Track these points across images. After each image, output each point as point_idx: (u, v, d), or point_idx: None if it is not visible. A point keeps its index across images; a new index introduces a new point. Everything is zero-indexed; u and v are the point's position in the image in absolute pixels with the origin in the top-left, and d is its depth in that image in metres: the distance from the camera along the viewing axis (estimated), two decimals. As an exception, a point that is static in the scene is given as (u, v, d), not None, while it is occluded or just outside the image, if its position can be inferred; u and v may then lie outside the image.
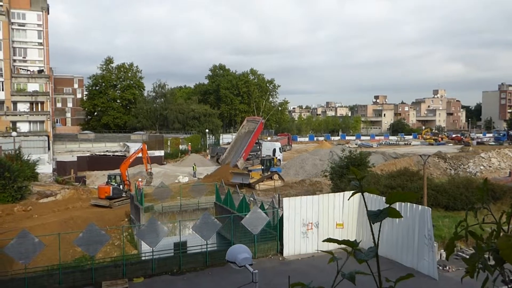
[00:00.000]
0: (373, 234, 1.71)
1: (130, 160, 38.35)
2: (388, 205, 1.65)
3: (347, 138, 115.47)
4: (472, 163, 48.16)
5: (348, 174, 31.67)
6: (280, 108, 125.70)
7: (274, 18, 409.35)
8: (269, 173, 43.68)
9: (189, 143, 75.09)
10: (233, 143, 60.55)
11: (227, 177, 42.99)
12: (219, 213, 29.74)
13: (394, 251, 20.47)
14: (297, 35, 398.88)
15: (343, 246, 1.71)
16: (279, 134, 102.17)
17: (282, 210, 22.51)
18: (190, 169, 55.17)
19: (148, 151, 52.47)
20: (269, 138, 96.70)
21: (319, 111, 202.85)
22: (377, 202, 20.40)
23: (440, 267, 19.23)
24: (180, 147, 76.49)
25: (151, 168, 40.52)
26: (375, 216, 1.62)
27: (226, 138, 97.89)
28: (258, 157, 57.53)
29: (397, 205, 18.24)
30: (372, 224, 1.67)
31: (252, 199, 27.58)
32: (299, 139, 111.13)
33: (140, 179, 40.05)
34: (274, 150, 60.05)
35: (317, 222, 22.59)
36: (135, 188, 33.65)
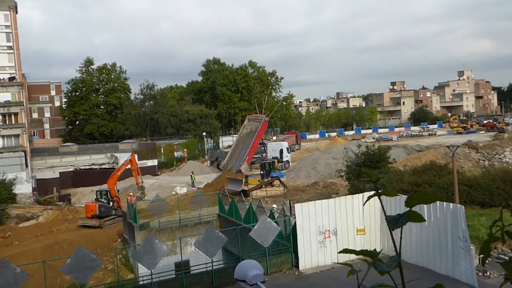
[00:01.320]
0: (394, 242, 1.73)
1: (118, 174, 38.41)
2: (408, 208, 1.67)
3: (362, 132, 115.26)
4: (509, 151, 47.96)
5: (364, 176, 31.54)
6: (284, 103, 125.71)
7: (271, 1, 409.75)
8: (269, 178, 43.67)
9: (185, 149, 75.30)
10: (235, 145, 60.58)
11: (255, 182, 43.42)
12: (224, 226, 29.85)
13: (425, 257, 20.43)
14: (298, 20, 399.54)
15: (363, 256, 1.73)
16: (286, 132, 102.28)
17: (295, 217, 22.48)
18: (187, 179, 55.23)
19: (139, 161, 52.03)
20: (274, 138, 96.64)
21: (329, 103, 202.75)
22: (401, 203, 20.39)
23: (480, 273, 18.96)
24: (175, 154, 76.52)
25: (142, 182, 40.55)
26: (394, 222, 1.64)
27: (226, 141, 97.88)
28: (264, 160, 57.60)
29: (424, 205, 18.19)
30: (392, 231, 1.69)
31: (261, 207, 27.60)
32: (308, 136, 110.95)
33: (131, 194, 40.15)
34: (281, 151, 60.07)
35: (335, 229, 22.59)
36: (127, 204, 33.72)
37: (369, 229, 23.14)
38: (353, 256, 22.24)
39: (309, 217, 22.23)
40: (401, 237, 1.72)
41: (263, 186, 42.64)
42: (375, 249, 1.73)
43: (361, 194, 23.51)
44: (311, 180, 48.52)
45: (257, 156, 62.57)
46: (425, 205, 1.60)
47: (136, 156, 41.04)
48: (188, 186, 51.89)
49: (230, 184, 43.93)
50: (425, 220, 1.66)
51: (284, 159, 59.54)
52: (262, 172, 44.55)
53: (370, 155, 34.44)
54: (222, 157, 62.94)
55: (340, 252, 1.87)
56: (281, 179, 45.26)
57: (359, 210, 22.99)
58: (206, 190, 44.92)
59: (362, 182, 30.72)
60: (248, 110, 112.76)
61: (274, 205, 29.22)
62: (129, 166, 39.12)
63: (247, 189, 41.58)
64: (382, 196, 1.76)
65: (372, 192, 1.78)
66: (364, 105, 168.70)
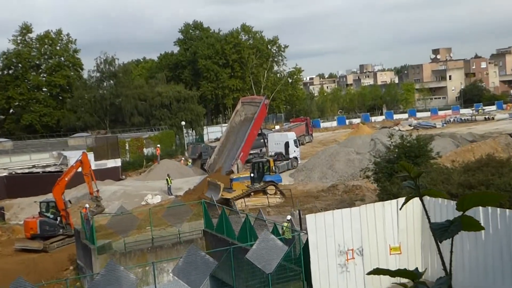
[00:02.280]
0: (442, 259, 1.73)
1: (66, 179, 38.29)
2: (461, 212, 1.67)
3: (395, 117, 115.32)
4: None
5: (400, 171, 31.53)
6: (290, 81, 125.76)
7: None
8: (261, 184, 43.73)
9: (158, 145, 75.17)
10: (224, 138, 60.56)
11: (242, 187, 43.63)
12: (212, 246, 29.85)
13: (482, 279, 20.49)
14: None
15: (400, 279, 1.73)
16: (293, 119, 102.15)
17: (306, 233, 22.49)
18: (162, 184, 55.17)
19: (97, 162, 52.00)
20: (277, 127, 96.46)
21: (350, 79, 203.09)
22: (448, 209, 20.43)
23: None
24: (145, 151, 76.32)
25: (97, 190, 40.51)
26: (442, 231, 1.63)
27: (213, 132, 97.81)
28: (263, 155, 57.53)
29: (480, 213, 18.25)
30: (439, 243, 1.68)
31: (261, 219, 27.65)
32: (322, 124, 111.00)
33: (87, 205, 40.11)
34: (287, 144, 60.06)
35: (360, 247, 22.57)
36: (81, 219, 33.69)
37: (407, 247, 23.15)
38: (385, 282, 22.38)
39: (326, 232, 22.15)
40: (451, 252, 1.72)
41: (252, 193, 42.81)
42: (416, 269, 1.72)
43: (394, 201, 23.47)
44: (327, 183, 48.45)
45: (254, 152, 62.46)
46: (481, 213, 1.59)
47: (90, 155, 40.95)
48: (162, 194, 51.82)
49: (209, 190, 44.10)
50: (483, 228, 1.66)
51: (290, 155, 59.47)
52: (252, 175, 44.56)
53: (406, 148, 34.34)
54: (208, 154, 62.75)
55: (369, 274, 1.87)
56: (279, 184, 45.30)
57: (393, 221, 22.98)
58: (187, 198, 44.69)
59: (397, 184, 30.71)
60: (241, 90, 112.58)
61: (289, 217, 29.26)
62: (80, 169, 39.02)
63: (230, 197, 41.71)
64: (425, 199, 1.75)
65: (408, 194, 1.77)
66: (397, 81, 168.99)
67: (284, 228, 26.47)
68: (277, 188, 43.98)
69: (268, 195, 43.08)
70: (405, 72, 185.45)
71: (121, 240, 31.79)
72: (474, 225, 1.65)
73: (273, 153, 58.51)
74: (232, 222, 29.06)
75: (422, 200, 1.70)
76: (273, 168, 46.72)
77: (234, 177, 46.12)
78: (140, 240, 32.45)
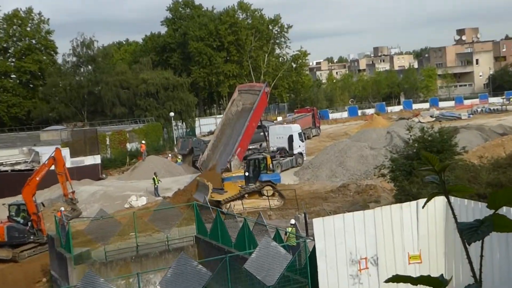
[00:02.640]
0: (470, 263, 1.72)
1: (38, 179, 38.26)
2: (493, 211, 1.66)
3: (414, 107, 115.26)
4: None
5: (421, 165, 31.52)
6: (294, 66, 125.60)
7: None
8: (257, 184, 43.83)
9: (142, 141, 75.07)
10: (219, 131, 60.44)
11: (235, 188, 43.75)
12: (205, 254, 29.93)
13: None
14: None
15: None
16: (297, 110, 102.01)
17: (313, 239, 22.49)
18: (148, 183, 55.20)
19: (74, 159, 51.92)
20: (280, 118, 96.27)
21: (363, 64, 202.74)
22: (475, 212, 20.44)
23: None
24: (128, 146, 76.27)
25: (73, 192, 40.46)
26: (472, 232, 1.62)
27: (206, 125, 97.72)
28: (263, 151, 57.44)
29: None
30: (467, 247, 1.67)
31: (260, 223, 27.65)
32: (331, 115, 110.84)
33: (62, 209, 40.10)
34: (291, 138, 60.16)
35: (375, 256, 22.56)
36: (56, 224, 33.68)
37: (428, 255, 23.13)
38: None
39: (336, 238, 22.11)
40: (481, 256, 1.71)
41: (246, 195, 42.87)
42: (441, 275, 1.72)
43: (414, 202, 23.37)
44: (337, 182, 48.51)
45: (253, 147, 62.36)
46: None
47: (65, 151, 40.85)
48: (148, 195, 51.89)
49: (198, 191, 44.22)
50: (518, 229, 1.64)
51: (295, 151, 59.50)
52: (247, 174, 44.55)
53: (427, 142, 34.32)
54: (200, 149, 62.73)
55: (387, 281, 1.86)
56: (278, 184, 45.30)
57: (412, 226, 22.95)
58: (177, 200, 44.87)
59: (416, 183, 30.71)
60: (238, 77, 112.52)
61: (293, 221, 29.29)
62: (53, 167, 38.96)
63: (221, 199, 41.80)
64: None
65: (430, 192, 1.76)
66: (416, 66, 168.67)
67: (288, 233, 26.46)
68: (275, 189, 43.91)
69: (264, 197, 43.07)
70: (426, 55, 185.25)
71: (101, 248, 31.76)
72: (507, 226, 1.64)
73: (274, 148, 58.43)
74: (228, 227, 29.03)
75: (448, 197, 1.69)
76: (271, 166, 46.72)
77: (226, 176, 46.11)
78: (123, 248, 32.48)
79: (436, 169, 1.73)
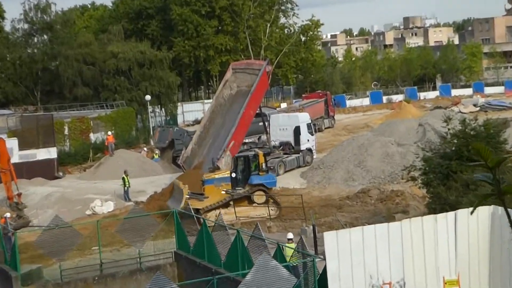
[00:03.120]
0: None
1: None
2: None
3: (454, 93, 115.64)
4: None
5: (461, 166, 31.28)
6: (303, 39, 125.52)
7: None
8: (246, 189, 43.98)
9: (110, 132, 74.85)
10: (207, 120, 60.18)
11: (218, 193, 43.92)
12: (187, 275, 30.22)
13: None
14: None
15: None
16: (306, 94, 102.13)
17: (324, 258, 22.30)
18: (116, 185, 55.11)
19: (23, 152, 51.72)
20: (284, 105, 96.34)
21: (389, 38, 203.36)
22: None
23: None
24: (92, 137, 76.43)
25: (19, 194, 40.28)
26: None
27: (192, 111, 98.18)
28: (261, 146, 57.28)
29: None
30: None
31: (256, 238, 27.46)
32: (349, 102, 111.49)
33: (7, 215, 39.90)
34: (297, 130, 60.46)
35: (401, 280, 22.62)
36: (-1, 234, 33.61)
37: (468, 280, 23.13)
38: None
39: (352, 257, 22.10)
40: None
41: (232, 202, 43.08)
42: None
43: (452, 213, 23.43)
44: (355, 187, 48.95)
45: (250, 141, 62.43)
46: None
47: (12, 142, 40.47)
48: (117, 200, 52.08)
49: (172, 197, 44.72)
50: None
51: (302, 146, 59.80)
52: (234, 175, 44.37)
53: (470, 137, 34.13)
54: (183, 142, 62.70)
55: None
56: (271, 189, 45.51)
57: (449, 243, 23.01)
58: (152, 206, 45.44)
59: (455, 189, 30.44)
60: (233, 52, 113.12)
61: (290, 235, 29.22)
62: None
63: (200, 207, 42.15)
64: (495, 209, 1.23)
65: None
66: (457, 42, 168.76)
67: (286, 250, 26.28)
68: (268, 194, 44.05)
69: (255, 204, 43.21)
70: (469, 29, 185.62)
71: (55, 266, 31.93)
72: None
73: (277, 143, 58.51)
74: (217, 242, 29.06)
75: (503, 200, 1.45)
76: (263, 166, 46.18)
77: (207, 178, 45.81)
78: (83, 265, 32.71)
79: (489, 165, 1.65)
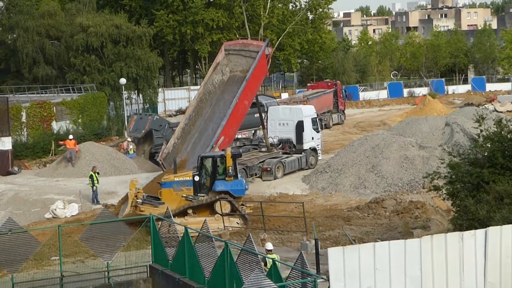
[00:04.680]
0: None
1: None
2: None
3: (489, 87, 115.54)
4: None
5: (495, 175, 31.42)
6: (310, 18, 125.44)
7: None
8: (208, 196, 44.05)
9: (77, 117, 74.59)
10: (193, 110, 60.26)
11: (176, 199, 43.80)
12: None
13: None
14: None
15: None
16: (313, 84, 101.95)
17: (328, 279, 22.35)
18: (83, 184, 55.16)
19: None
20: (285, 95, 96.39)
21: (414, 20, 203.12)
22: None
23: None
24: (54, 126, 76.19)
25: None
26: None
27: (175, 99, 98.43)
28: (257, 143, 57.27)
29: None
30: None
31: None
32: (363, 94, 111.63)
33: None
34: (300, 126, 60.39)
35: (420, 307, 22.54)
36: None
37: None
38: None
39: (361, 279, 22.13)
40: None
41: (190, 211, 43.17)
42: None
43: (481, 231, 23.55)
44: (367, 195, 49.09)
45: (243, 137, 62.54)
46: None
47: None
48: (83, 201, 52.07)
49: (126, 202, 44.74)
50: None
51: (305, 145, 59.81)
52: (197, 178, 44.50)
53: (506, 141, 34.20)
54: (163, 135, 62.72)
55: None
56: (241, 198, 45.45)
57: (477, 265, 23.16)
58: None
59: (487, 203, 30.53)
60: (226, 29, 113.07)
61: (269, 245, 29.11)
62: None
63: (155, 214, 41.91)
64: None
65: None
66: (495, 27, 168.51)
67: (268, 263, 26.22)
68: (233, 204, 43.94)
69: (218, 216, 43.14)
70: (510, 11, 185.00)
71: (7, 278, 31.92)
72: None
73: (275, 140, 58.41)
74: (200, 255, 28.99)
75: None
76: (230, 170, 45.42)
77: (165, 180, 45.79)
78: (40, 278, 32.57)
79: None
